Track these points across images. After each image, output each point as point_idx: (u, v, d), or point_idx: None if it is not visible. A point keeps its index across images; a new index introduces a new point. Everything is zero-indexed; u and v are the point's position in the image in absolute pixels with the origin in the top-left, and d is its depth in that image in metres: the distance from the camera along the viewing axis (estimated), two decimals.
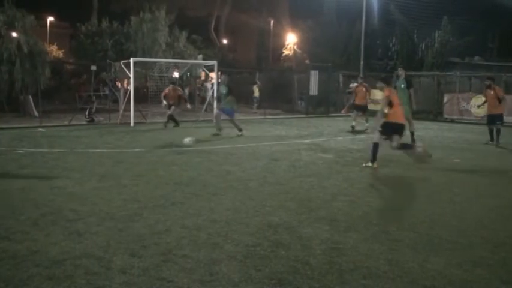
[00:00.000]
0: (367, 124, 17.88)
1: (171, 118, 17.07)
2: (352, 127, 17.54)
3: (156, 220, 5.77)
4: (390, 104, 9.46)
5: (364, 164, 9.79)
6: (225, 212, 6.21)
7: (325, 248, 4.95)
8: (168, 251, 4.77)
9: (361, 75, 20.87)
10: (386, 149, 11.96)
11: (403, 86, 13.30)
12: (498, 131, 13.77)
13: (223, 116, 14.93)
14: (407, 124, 10.91)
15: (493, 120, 13.93)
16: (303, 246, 4.99)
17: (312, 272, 4.34)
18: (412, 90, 13.38)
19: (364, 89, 18.18)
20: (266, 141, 13.45)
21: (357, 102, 18.20)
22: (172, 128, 16.59)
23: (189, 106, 18.40)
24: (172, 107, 17.06)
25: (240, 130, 14.80)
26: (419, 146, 10.30)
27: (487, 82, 14.16)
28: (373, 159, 9.68)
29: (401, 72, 14.05)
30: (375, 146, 9.66)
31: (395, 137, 9.55)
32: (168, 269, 4.33)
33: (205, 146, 12.51)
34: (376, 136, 9.65)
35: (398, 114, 9.55)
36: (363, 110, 18.17)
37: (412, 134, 13.19)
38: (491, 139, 13.90)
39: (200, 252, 4.76)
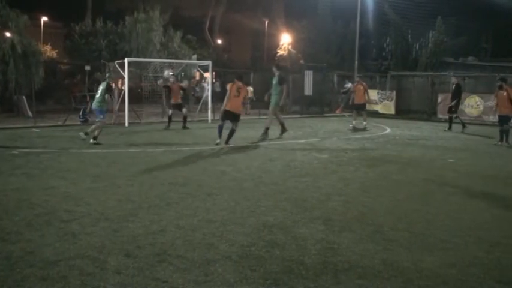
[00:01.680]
0: (364, 123, 18.06)
1: (185, 119, 16.84)
2: (353, 127, 17.84)
3: (151, 220, 5.76)
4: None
5: (215, 142, 12.34)
6: (220, 212, 6.21)
7: (320, 248, 4.96)
8: (163, 251, 4.76)
9: (358, 74, 21.03)
10: (382, 149, 12.01)
11: (275, 82, 14.43)
12: (507, 132, 13.73)
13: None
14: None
15: (505, 121, 13.80)
16: (298, 246, 5.00)
17: (307, 272, 4.35)
18: (284, 86, 14.50)
19: (362, 87, 18.46)
20: (261, 141, 13.44)
21: (356, 101, 18.47)
22: (167, 129, 16.41)
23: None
24: (184, 108, 16.85)
25: (95, 138, 12.29)
26: (230, 144, 12.46)
27: (499, 83, 14.02)
28: (219, 137, 12.44)
29: (274, 69, 14.99)
30: (220, 127, 12.58)
31: (234, 123, 12.61)
32: (163, 269, 4.33)
33: (200, 146, 12.50)
34: (220, 121, 12.76)
35: (235, 105, 12.52)
36: (361, 108, 18.47)
37: (266, 129, 14.31)
38: (501, 139, 13.76)
39: (195, 252, 4.75)
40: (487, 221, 6.10)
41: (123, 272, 4.24)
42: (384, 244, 5.12)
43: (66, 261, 4.45)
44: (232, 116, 12.67)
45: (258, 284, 4.08)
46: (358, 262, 4.60)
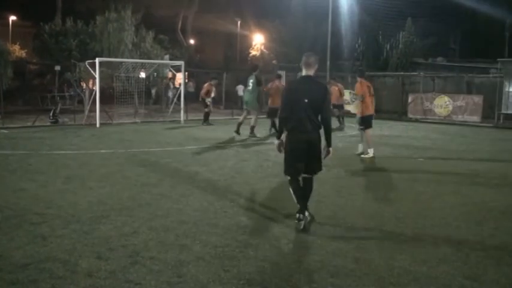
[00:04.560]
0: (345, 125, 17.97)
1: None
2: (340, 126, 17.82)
3: (123, 222, 5.71)
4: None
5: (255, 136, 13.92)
6: (193, 213, 6.19)
7: (293, 248, 4.99)
8: (136, 253, 4.73)
9: (328, 75, 21.10)
10: (354, 149, 12.12)
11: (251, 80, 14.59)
12: None
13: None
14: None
15: None
16: (271, 246, 5.02)
17: (280, 272, 4.37)
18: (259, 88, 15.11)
19: (337, 88, 18.52)
20: (234, 141, 13.44)
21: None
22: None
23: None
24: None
25: None
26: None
27: None
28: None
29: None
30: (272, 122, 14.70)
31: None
32: (136, 271, 4.30)
33: (173, 146, 12.43)
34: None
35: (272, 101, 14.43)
36: (337, 109, 18.17)
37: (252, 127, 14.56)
38: None
39: (168, 253, 4.73)
40: (455, 219, 6.21)
41: (94, 275, 4.20)
42: (356, 243, 5.18)
43: (37, 265, 4.38)
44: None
45: (232, 285, 4.08)
46: (330, 261, 4.65)
